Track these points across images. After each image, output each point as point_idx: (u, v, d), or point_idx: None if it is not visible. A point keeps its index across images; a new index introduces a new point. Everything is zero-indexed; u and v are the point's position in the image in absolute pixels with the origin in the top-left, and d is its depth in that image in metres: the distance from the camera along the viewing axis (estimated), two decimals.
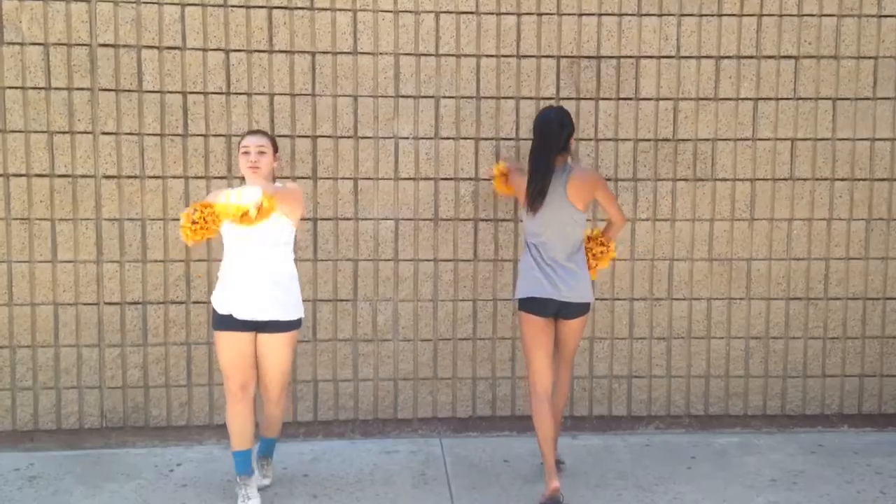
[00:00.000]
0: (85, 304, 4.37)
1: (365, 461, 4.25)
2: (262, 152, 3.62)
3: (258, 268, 3.59)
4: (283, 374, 3.75)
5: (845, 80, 4.62)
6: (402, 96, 4.47)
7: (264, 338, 3.65)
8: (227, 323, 3.61)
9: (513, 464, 4.23)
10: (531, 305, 3.74)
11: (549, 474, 3.66)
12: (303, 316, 3.75)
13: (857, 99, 4.63)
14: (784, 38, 4.58)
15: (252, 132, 3.71)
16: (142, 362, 4.43)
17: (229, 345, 3.62)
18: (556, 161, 3.74)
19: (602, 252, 4.01)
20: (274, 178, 3.77)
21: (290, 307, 3.67)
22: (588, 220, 4.45)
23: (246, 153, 3.62)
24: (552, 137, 3.71)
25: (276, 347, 3.67)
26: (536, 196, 3.70)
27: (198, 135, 4.37)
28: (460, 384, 4.62)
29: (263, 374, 3.73)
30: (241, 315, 3.59)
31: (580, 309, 3.78)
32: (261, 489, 3.87)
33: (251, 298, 3.59)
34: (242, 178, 3.75)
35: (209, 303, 4.36)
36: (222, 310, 3.62)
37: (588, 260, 3.92)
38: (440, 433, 4.63)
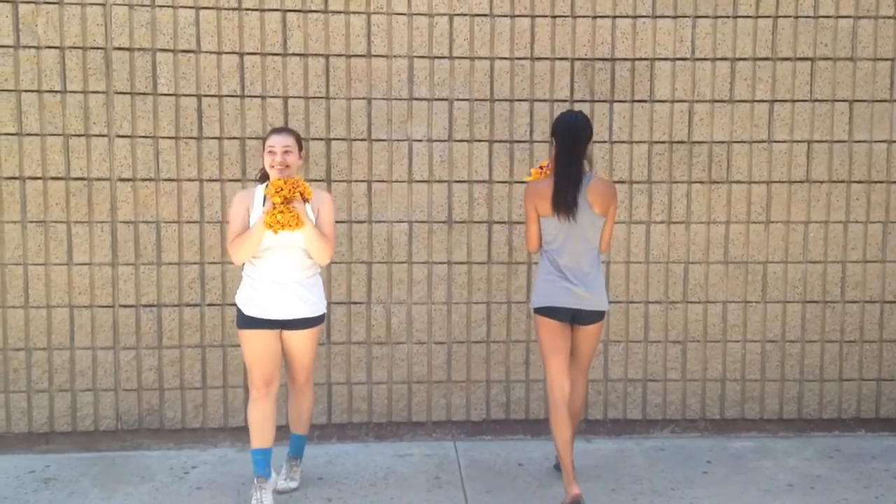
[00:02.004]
0: (100, 306, 4.39)
1: (379, 464, 4.25)
2: (287, 151, 3.59)
3: (285, 271, 3.61)
4: (309, 362, 3.82)
5: (862, 82, 4.59)
6: (416, 99, 4.47)
7: (290, 334, 3.69)
8: (254, 322, 3.62)
9: (527, 467, 4.21)
10: (549, 312, 3.72)
11: (569, 480, 3.63)
12: (325, 311, 3.79)
13: (873, 101, 4.60)
14: (800, 39, 4.56)
15: (277, 130, 3.65)
16: (157, 365, 4.44)
17: (255, 342, 3.63)
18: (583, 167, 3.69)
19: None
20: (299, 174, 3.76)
21: (314, 304, 3.70)
22: None
23: (272, 153, 3.58)
24: (580, 142, 3.64)
25: (301, 342, 3.72)
26: (570, 204, 3.61)
27: (212, 137, 4.38)
28: (474, 387, 4.61)
29: (290, 366, 3.81)
30: (269, 315, 3.62)
31: (596, 316, 3.75)
32: (287, 492, 3.87)
33: (278, 300, 3.61)
34: (264, 177, 3.72)
35: (223, 305, 4.38)
36: (248, 310, 3.62)
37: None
38: (454, 436, 4.62)
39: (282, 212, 3.47)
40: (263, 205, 3.56)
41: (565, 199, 3.61)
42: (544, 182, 3.70)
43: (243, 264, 3.69)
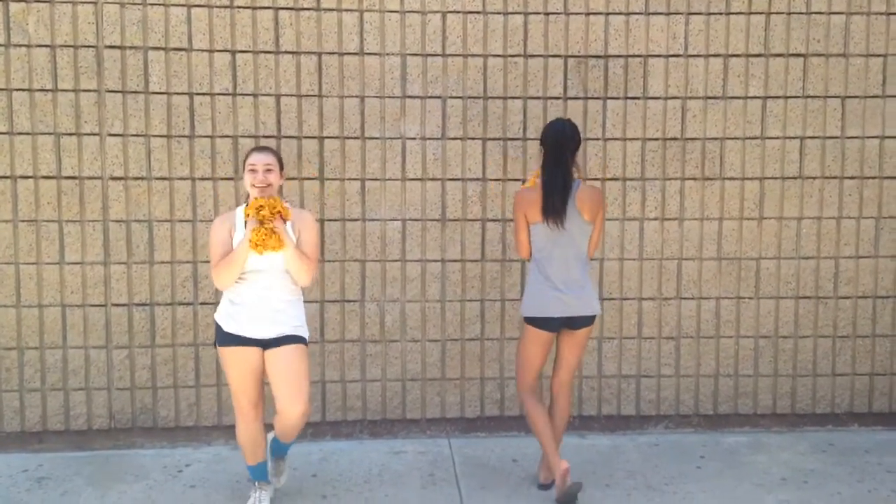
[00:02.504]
0: (92, 305, 4.38)
1: (373, 461, 4.25)
2: (269, 170, 3.51)
3: (265, 289, 3.52)
4: (304, 384, 3.52)
5: (854, 78, 4.60)
6: (409, 97, 4.46)
7: (273, 351, 3.53)
8: (233, 339, 3.52)
9: (522, 463, 4.22)
10: (541, 323, 3.74)
11: (554, 459, 3.66)
12: (307, 337, 3.62)
13: (866, 97, 4.61)
14: (793, 35, 4.57)
15: (258, 149, 3.57)
16: (150, 363, 4.43)
17: (237, 360, 3.52)
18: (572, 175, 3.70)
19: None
20: (281, 194, 3.71)
21: (294, 325, 3.58)
22: None
23: (253, 171, 3.50)
24: (568, 151, 3.66)
25: (286, 357, 3.52)
26: (558, 211, 3.63)
27: (204, 136, 4.37)
28: (468, 384, 4.61)
29: (280, 399, 3.49)
30: (248, 333, 3.51)
31: (587, 320, 3.77)
32: (277, 488, 3.87)
33: (258, 317, 3.51)
34: (246, 195, 3.66)
35: (216, 304, 4.37)
36: (228, 327, 3.53)
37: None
38: (449, 433, 4.63)
39: (265, 232, 3.43)
40: (246, 226, 3.48)
41: (553, 207, 3.64)
42: (533, 190, 3.72)
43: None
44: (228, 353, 3.53)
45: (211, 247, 3.55)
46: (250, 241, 3.41)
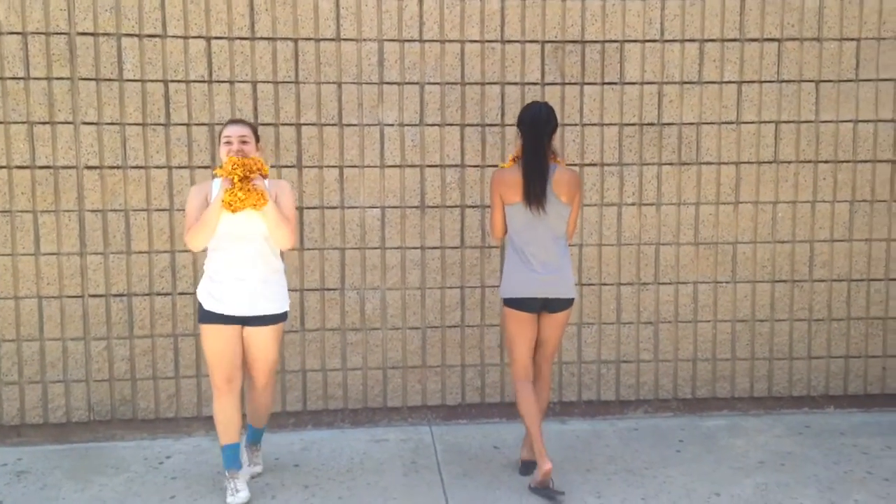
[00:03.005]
0: (69, 296, 4.33)
1: (355, 450, 4.25)
2: (244, 142, 3.55)
3: (246, 264, 3.54)
4: (272, 364, 3.73)
5: (828, 63, 4.64)
6: (387, 83, 4.44)
7: (251, 331, 3.63)
8: (214, 317, 3.57)
9: (503, 450, 4.24)
10: (517, 304, 3.75)
11: (540, 456, 3.66)
12: (288, 309, 3.71)
13: (840, 81, 4.65)
14: (767, 20, 4.59)
15: (233, 121, 3.62)
16: (128, 355, 4.40)
17: (216, 338, 3.58)
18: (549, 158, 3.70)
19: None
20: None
21: (277, 301, 3.64)
22: None
23: (228, 143, 3.53)
24: (545, 134, 3.66)
25: (263, 340, 3.64)
26: (538, 195, 3.63)
27: (180, 124, 4.32)
28: (449, 372, 4.62)
29: (251, 366, 3.71)
30: (228, 311, 3.56)
31: (564, 303, 3.77)
32: (253, 477, 3.88)
33: (239, 294, 3.55)
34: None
35: (195, 294, 4.34)
36: (208, 304, 3.58)
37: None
38: (430, 421, 4.64)
39: (241, 189, 3.43)
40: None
41: (535, 191, 3.64)
42: (510, 171, 3.72)
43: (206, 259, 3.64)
44: (208, 330, 3.59)
45: (186, 213, 3.59)
46: (223, 200, 3.43)
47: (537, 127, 3.67)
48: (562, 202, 3.69)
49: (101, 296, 4.35)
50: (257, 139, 3.64)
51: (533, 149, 3.66)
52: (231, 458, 3.69)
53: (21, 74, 4.20)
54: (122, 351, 4.39)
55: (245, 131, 3.57)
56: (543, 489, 3.67)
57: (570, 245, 3.90)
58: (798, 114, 4.66)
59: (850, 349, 4.80)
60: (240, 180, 3.43)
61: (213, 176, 3.73)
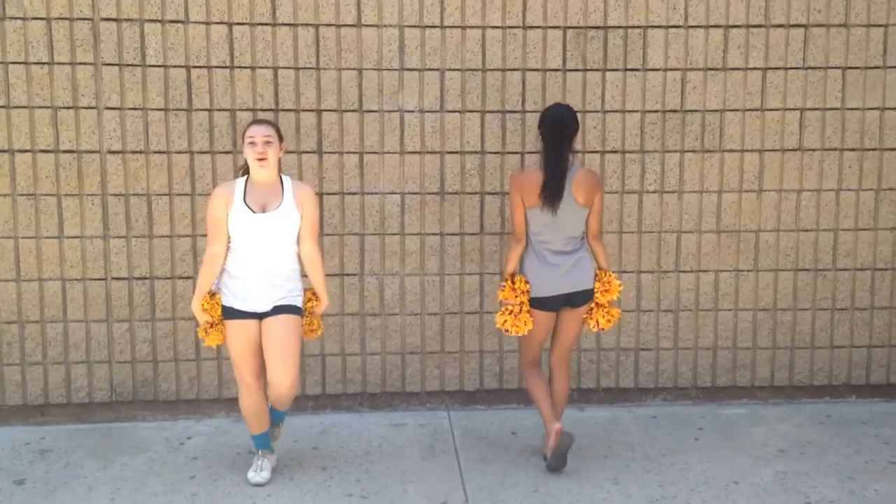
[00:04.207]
0: (92, 279, 4.38)
1: (373, 434, 4.28)
2: (268, 142, 3.54)
3: (260, 268, 3.56)
4: (296, 360, 3.60)
5: (855, 49, 4.57)
6: (407, 69, 4.44)
7: (268, 321, 3.58)
8: (234, 313, 3.58)
9: (521, 436, 4.25)
10: (539, 303, 3.76)
11: (549, 419, 3.71)
12: (302, 307, 3.69)
13: (867, 68, 4.58)
14: (793, 6, 4.52)
15: (257, 122, 3.62)
16: (150, 337, 4.45)
17: (236, 334, 3.58)
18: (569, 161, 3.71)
19: (606, 294, 3.81)
20: (280, 167, 3.71)
21: (291, 298, 3.63)
22: None
23: (252, 143, 3.53)
24: (566, 136, 3.67)
25: (281, 329, 3.56)
26: (556, 197, 3.64)
27: (202, 109, 4.35)
28: (468, 357, 4.63)
29: (268, 361, 3.59)
30: (248, 307, 3.57)
31: (587, 295, 3.80)
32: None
33: (252, 294, 3.56)
34: (246, 170, 3.67)
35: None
36: (228, 301, 3.59)
37: (587, 322, 3.86)
38: (448, 406, 4.65)
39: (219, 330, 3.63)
40: (245, 200, 3.56)
41: (553, 194, 3.65)
42: (529, 173, 3.75)
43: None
44: (230, 327, 3.60)
45: (207, 219, 3.61)
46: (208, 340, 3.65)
47: (558, 129, 3.68)
48: (579, 204, 3.70)
49: (123, 279, 4.40)
50: (281, 139, 3.63)
51: (553, 151, 3.67)
52: (262, 442, 3.77)
53: (45, 59, 4.25)
54: (144, 333, 4.44)
55: (269, 132, 3.57)
56: (558, 457, 3.66)
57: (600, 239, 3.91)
58: (824, 101, 4.60)
59: (872, 338, 4.74)
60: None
61: (240, 173, 3.74)
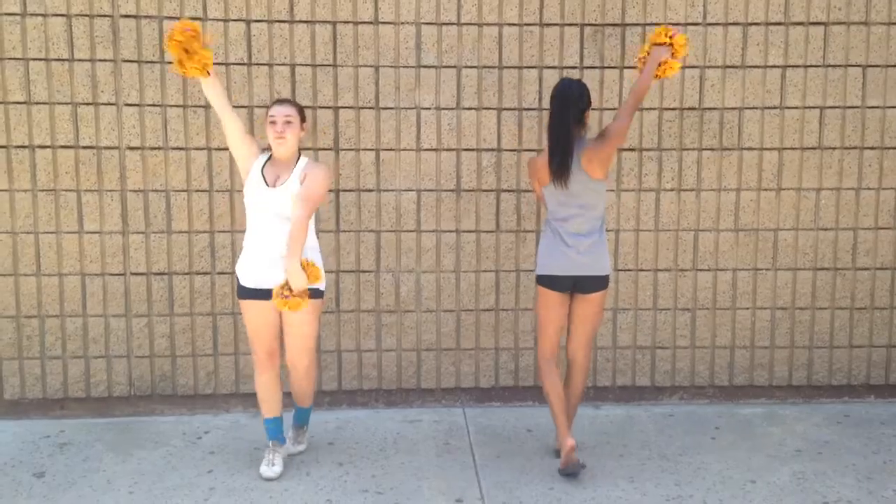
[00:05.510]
0: (112, 274, 4.42)
1: (389, 430, 4.28)
2: (288, 122, 3.58)
3: (278, 241, 3.59)
4: (309, 341, 3.71)
5: (876, 47, 4.53)
6: (424, 66, 4.44)
7: None
8: (251, 292, 3.64)
9: (536, 433, 4.24)
10: (548, 281, 3.74)
11: (563, 433, 3.68)
12: (322, 288, 3.71)
13: (887, 66, 4.54)
14: (813, 3, 4.49)
15: (280, 101, 3.65)
16: (168, 332, 4.48)
17: (254, 313, 3.66)
18: (574, 133, 3.65)
19: (668, 48, 3.62)
20: (300, 150, 3.73)
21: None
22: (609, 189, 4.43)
23: (273, 122, 3.58)
24: (571, 107, 3.61)
25: (300, 314, 3.62)
26: (562, 170, 3.61)
27: None
28: (483, 355, 4.63)
29: (290, 346, 3.72)
30: (261, 285, 3.62)
31: (598, 283, 3.73)
32: (295, 455, 3.94)
33: (272, 270, 3.60)
34: (268, 147, 3.71)
35: (234, 273, 4.40)
36: (244, 280, 3.65)
37: (648, 67, 3.67)
38: (463, 403, 4.65)
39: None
40: (262, 171, 3.58)
41: (557, 167, 3.62)
42: (542, 154, 3.75)
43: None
44: (245, 306, 3.68)
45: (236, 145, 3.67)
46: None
47: (565, 101, 3.62)
48: (591, 178, 3.64)
49: (142, 274, 4.43)
50: (303, 119, 3.68)
51: (558, 123, 3.62)
52: (273, 430, 3.79)
53: (65, 56, 4.29)
54: (162, 328, 4.48)
55: (290, 111, 3.61)
56: (572, 468, 3.65)
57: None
58: (844, 99, 4.56)
59: (892, 338, 4.70)
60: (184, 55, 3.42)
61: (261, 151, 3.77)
